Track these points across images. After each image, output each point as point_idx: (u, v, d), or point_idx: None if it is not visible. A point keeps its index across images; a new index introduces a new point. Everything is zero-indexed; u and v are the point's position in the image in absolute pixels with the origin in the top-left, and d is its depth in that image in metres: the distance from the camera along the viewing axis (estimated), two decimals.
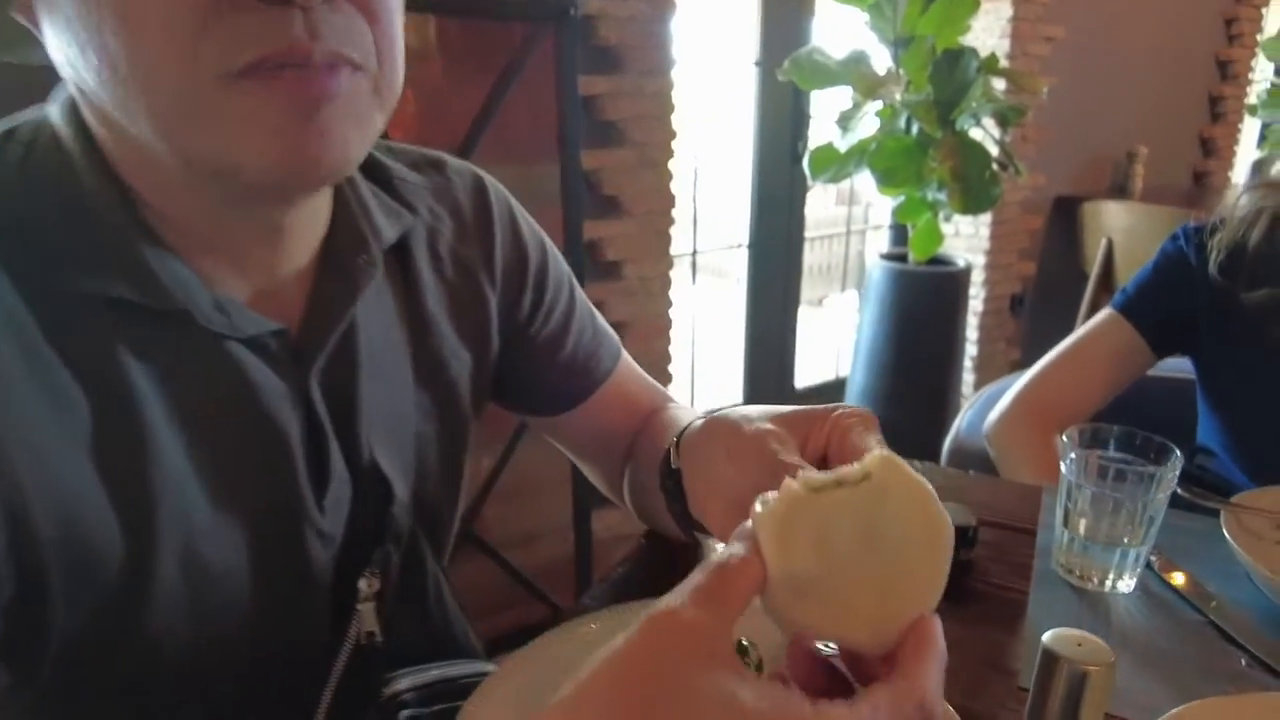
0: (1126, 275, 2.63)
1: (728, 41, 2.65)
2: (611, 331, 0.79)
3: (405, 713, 0.57)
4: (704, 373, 3.00)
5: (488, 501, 1.89)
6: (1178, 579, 0.75)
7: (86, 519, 0.44)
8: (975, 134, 2.39)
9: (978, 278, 3.10)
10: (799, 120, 2.71)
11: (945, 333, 2.67)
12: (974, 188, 2.28)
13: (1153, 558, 0.76)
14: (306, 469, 0.52)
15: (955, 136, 2.31)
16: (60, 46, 0.42)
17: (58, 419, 0.43)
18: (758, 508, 0.35)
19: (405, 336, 0.60)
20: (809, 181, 2.63)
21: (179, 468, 0.47)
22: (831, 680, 0.37)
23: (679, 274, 2.28)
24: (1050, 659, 0.49)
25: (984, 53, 2.34)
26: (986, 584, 0.75)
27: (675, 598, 0.32)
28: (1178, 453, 0.73)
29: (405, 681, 0.58)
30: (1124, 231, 3.01)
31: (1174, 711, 0.53)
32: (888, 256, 2.75)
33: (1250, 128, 4.14)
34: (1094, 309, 2.94)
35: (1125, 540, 0.72)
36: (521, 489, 1.93)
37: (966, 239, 3.12)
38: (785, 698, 0.30)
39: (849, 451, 0.47)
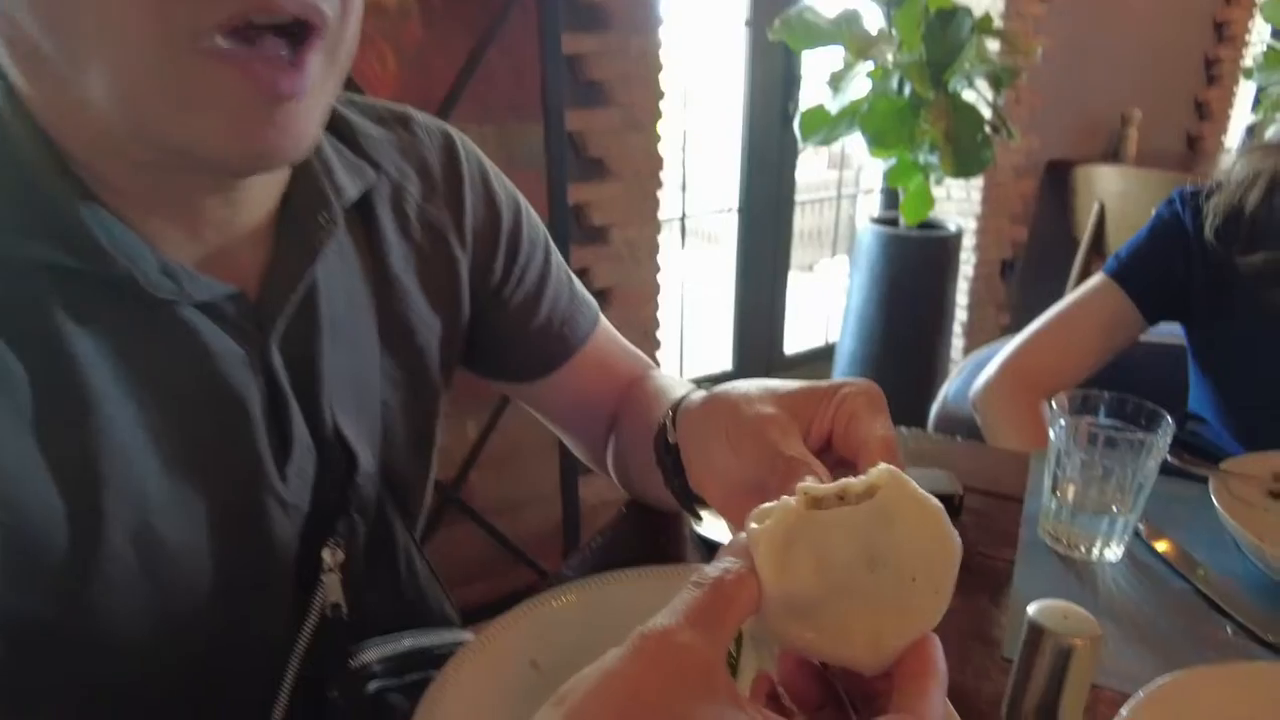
0: (1118, 240, 2.62)
1: (717, 0, 2.60)
2: (589, 296, 0.76)
3: (374, 683, 0.55)
4: (693, 340, 2.98)
5: (474, 468, 1.88)
6: (1165, 547, 0.74)
7: (28, 497, 0.42)
8: (968, 96, 2.36)
9: (968, 242, 3.07)
10: (790, 81, 2.66)
11: (935, 298, 2.66)
12: (966, 150, 2.24)
13: (1140, 525, 0.75)
14: (268, 437, 0.50)
15: (947, 98, 2.27)
16: None
17: None
18: (754, 525, 0.33)
19: (370, 300, 0.58)
20: (800, 144, 2.59)
21: (130, 440, 0.45)
22: (823, 689, 0.35)
23: (667, 239, 2.25)
24: (1036, 632, 0.48)
25: (978, 13, 2.30)
26: (971, 552, 0.74)
27: (669, 617, 0.30)
28: (1169, 419, 0.71)
29: (374, 652, 0.56)
30: (1116, 196, 2.99)
31: (1159, 681, 0.52)
32: (878, 221, 2.72)
33: (1245, 91, 4.10)
34: (1085, 274, 2.93)
35: (1114, 508, 0.71)
36: (508, 455, 1.91)
37: (958, 203, 3.09)
38: None
39: (854, 442, 0.45)
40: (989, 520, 0.78)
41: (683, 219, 2.70)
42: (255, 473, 0.50)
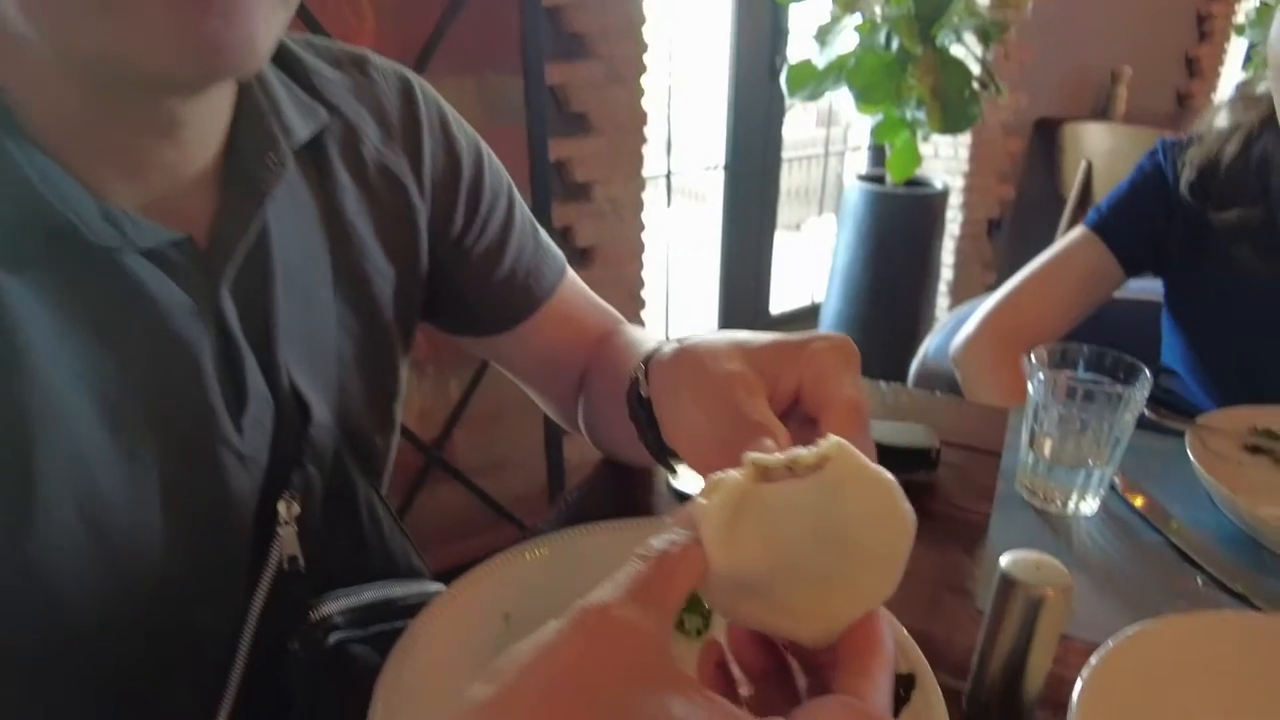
0: None
1: None
2: (555, 248, 0.74)
3: (335, 635, 0.55)
4: (678, 300, 2.97)
5: (457, 427, 1.87)
6: (1140, 500, 0.74)
7: None
8: (956, 51, 2.32)
9: (955, 201, 3.06)
10: (777, 35, 2.62)
11: (921, 256, 2.65)
12: (953, 106, 2.22)
13: (1116, 479, 0.76)
14: (221, 389, 0.49)
15: (935, 53, 2.24)
16: None
17: None
18: (701, 500, 0.32)
19: (324, 247, 0.56)
20: (787, 100, 2.55)
21: (67, 394, 0.43)
22: (771, 657, 0.35)
23: (652, 196, 2.22)
24: (1007, 582, 0.48)
25: None
26: (948, 505, 0.74)
27: (610, 590, 0.29)
28: (1147, 373, 0.71)
29: (335, 605, 0.55)
30: (1104, 154, 2.97)
31: (1128, 630, 0.53)
32: (865, 178, 2.70)
33: (1237, 48, 4.07)
34: None
35: (1090, 462, 0.71)
36: (492, 415, 1.91)
37: (945, 161, 3.07)
38: (723, 715, 0.27)
39: (820, 399, 0.43)
40: (966, 474, 0.78)
41: (668, 176, 2.67)
42: (208, 425, 0.49)
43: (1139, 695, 0.49)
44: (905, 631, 0.53)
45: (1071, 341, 0.76)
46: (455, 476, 1.89)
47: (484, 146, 0.68)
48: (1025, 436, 0.75)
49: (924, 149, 2.52)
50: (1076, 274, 1.11)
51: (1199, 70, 3.97)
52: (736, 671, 0.36)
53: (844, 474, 0.32)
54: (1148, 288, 1.19)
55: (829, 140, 3.46)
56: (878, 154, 2.93)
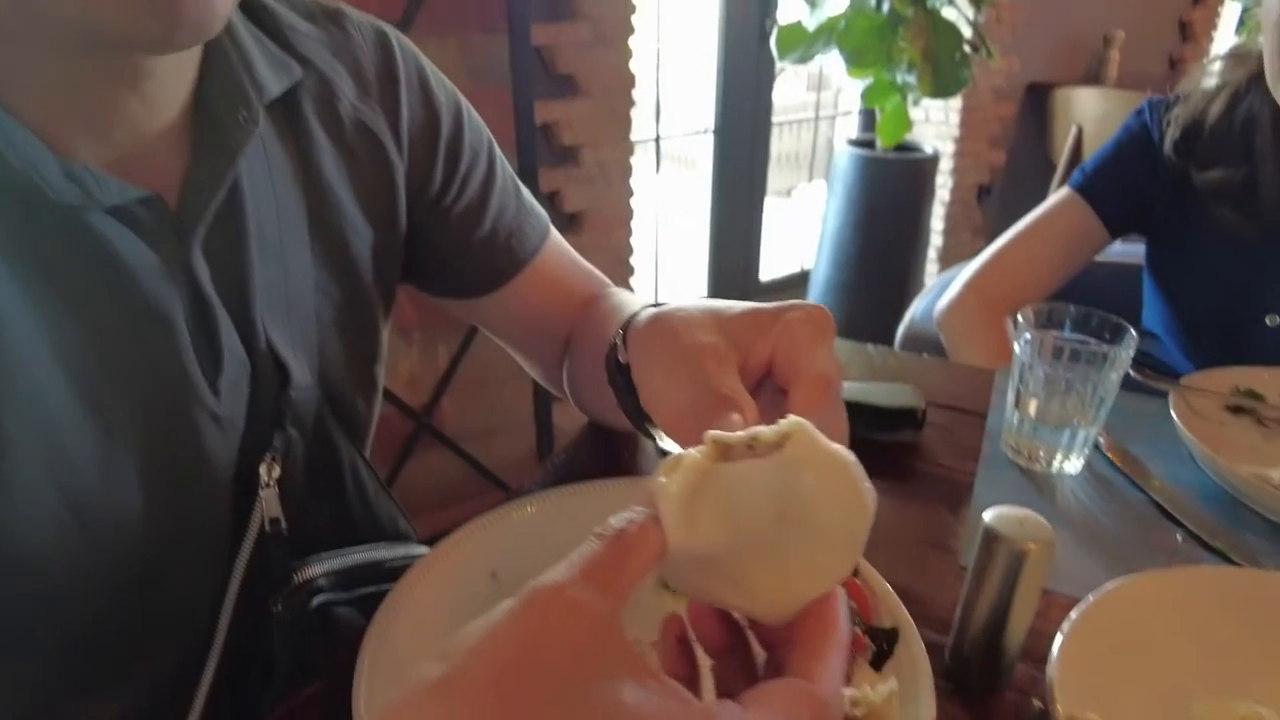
0: None
1: None
2: (539, 209, 0.73)
3: (320, 597, 0.55)
4: (668, 267, 2.96)
5: (446, 394, 1.87)
6: (1123, 459, 0.75)
7: None
8: (948, 13, 2.30)
9: (945, 166, 3.04)
10: None
11: (911, 222, 2.64)
12: (944, 70, 2.20)
13: (1100, 438, 0.76)
14: (195, 350, 0.48)
15: (927, 15, 2.21)
16: None
17: None
18: (661, 478, 0.32)
19: (300, 206, 0.55)
20: (777, 64, 2.52)
21: (32, 356, 0.42)
22: (731, 632, 0.34)
23: (641, 161, 2.20)
24: (990, 537, 0.48)
25: None
26: (933, 465, 0.75)
27: (565, 570, 0.28)
28: (1133, 332, 0.71)
29: (318, 567, 0.55)
30: (1095, 120, 2.95)
31: (1107, 585, 0.54)
32: (855, 143, 2.68)
33: (1230, 12, 4.04)
34: None
35: (1075, 421, 0.72)
36: (481, 381, 1.90)
37: (936, 126, 3.05)
38: (677, 702, 0.27)
39: (791, 372, 0.43)
40: (952, 434, 0.79)
41: (657, 140, 2.64)
42: (182, 387, 0.48)
43: (1118, 648, 0.50)
44: (889, 588, 0.54)
45: (1058, 302, 0.76)
46: (444, 443, 1.89)
47: (464, 102, 0.67)
48: (1011, 396, 0.75)
49: (915, 113, 2.50)
50: (1061, 236, 1.11)
51: (1192, 34, 3.94)
52: (697, 647, 0.36)
53: (803, 453, 0.32)
54: (1130, 251, 1.19)
55: (819, 105, 3.43)
56: (868, 119, 2.91)
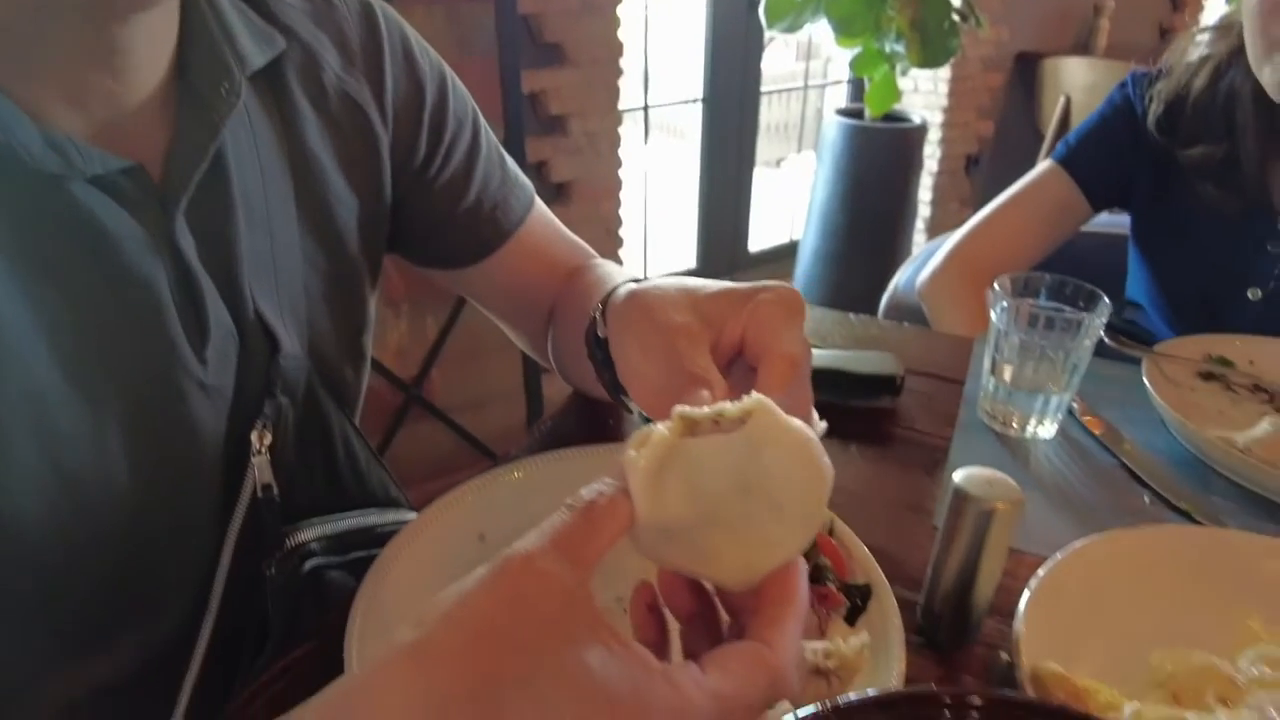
0: None
1: None
2: (525, 179, 0.74)
3: (312, 561, 0.56)
4: (657, 238, 2.95)
5: (436, 365, 1.88)
6: (1096, 424, 0.77)
7: None
8: None
9: (934, 136, 3.04)
10: None
11: (899, 192, 2.65)
12: (932, 39, 2.19)
13: (1075, 404, 0.78)
14: (182, 320, 0.49)
15: None
16: None
17: None
18: (631, 452, 0.33)
19: (286, 177, 0.56)
20: (766, 32, 2.51)
21: (16, 327, 0.43)
22: (698, 599, 0.36)
23: (630, 131, 2.20)
24: (960, 497, 0.50)
25: None
26: (911, 431, 0.76)
27: (535, 540, 0.29)
28: (1106, 300, 0.73)
29: (311, 532, 0.57)
30: (1084, 89, 2.95)
31: (1075, 544, 0.55)
32: (844, 112, 2.68)
33: None
34: None
35: (1049, 387, 0.74)
36: (470, 352, 1.91)
37: (925, 96, 3.04)
38: (637, 667, 0.28)
39: (760, 351, 0.44)
40: (930, 401, 0.80)
41: (645, 110, 2.63)
42: (169, 357, 0.48)
43: (1083, 604, 0.52)
44: (864, 547, 0.56)
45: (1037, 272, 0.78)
46: (434, 414, 1.91)
47: (448, 72, 0.67)
48: (987, 363, 0.77)
49: (903, 83, 2.50)
50: (1043, 208, 1.12)
51: (1182, 3, 3.93)
52: (666, 612, 0.37)
53: (765, 429, 0.33)
54: (1115, 222, 1.20)
55: (808, 74, 3.41)
56: (857, 88, 2.90)
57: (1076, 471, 0.72)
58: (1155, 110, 1.02)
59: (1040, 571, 0.53)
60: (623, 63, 2.01)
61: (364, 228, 0.62)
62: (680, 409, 0.34)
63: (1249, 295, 1.01)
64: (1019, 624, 0.50)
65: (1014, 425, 0.76)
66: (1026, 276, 0.77)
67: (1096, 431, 0.76)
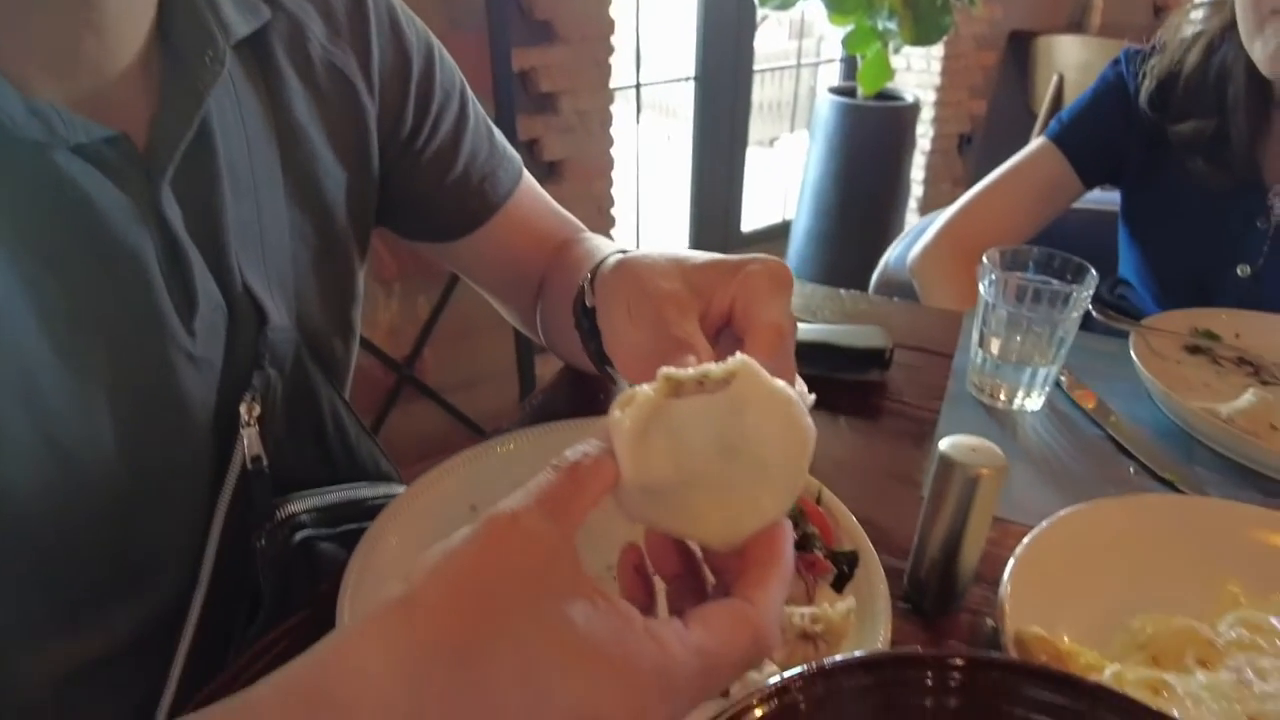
0: None
1: None
2: (513, 152, 0.74)
3: (302, 532, 0.57)
4: (649, 218, 2.95)
5: (428, 345, 1.88)
6: (1083, 397, 0.77)
7: None
8: None
9: (926, 115, 3.03)
10: None
11: (891, 172, 2.64)
12: (925, 16, 2.19)
13: (1062, 377, 0.79)
14: (169, 291, 0.49)
15: None
16: None
17: None
18: (616, 412, 0.33)
19: (273, 148, 0.55)
20: (758, 10, 2.49)
21: (3, 298, 0.42)
22: (684, 559, 0.36)
23: (621, 110, 2.18)
24: (946, 464, 0.51)
25: None
26: (901, 403, 0.77)
27: (520, 499, 0.30)
28: (1093, 272, 0.73)
29: (301, 503, 0.57)
30: (1077, 68, 2.94)
31: (1060, 513, 0.56)
32: (836, 91, 2.67)
33: None
34: None
35: (1036, 359, 0.74)
36: (462, 332, 1.91)
37: (917, 74, 3.03)
38: (621, 621, 0.29)
39: (747, 321, 0.45)
40: (919, 374, 0.81)
41: (637, 88, 2.61)
42: (156, 328, 0.48)
43: (1067, 571, 0.53)
44: (852, 516, 0.56)
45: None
46: (426, 394, 1.91)
47: (436, 44, 0.67)
48: (975, 336, 0.77)
49: (896, 62, 2.49)
50: (1034, 185, 1.12)
51: None
52: (651, 572, 0.38)
53: (748, 390, 0.33)
54: (1106, 199, 1.21)
55: (801, 52, 3.40)
56: (850, 66, 2.89)
57: (1063, 443, 0.72)
58: (1148, 86, 1.02)
59: (1025, 539, 0.54)
60: (614, 40, 2.00)
61: (351, 199, 0.62)
62: (665, 370, 0.34)
63: (1238, 272, 1.01)
64: (1004, 589, 0.50)
65: (1001, 397, 0.76)
66: (1015, 250, 0.77)
67: (1086, 406, 0.76)
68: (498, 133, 0.73)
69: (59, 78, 0.45)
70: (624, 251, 0.54)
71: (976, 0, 2.37)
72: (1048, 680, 0.34)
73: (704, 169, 2.86)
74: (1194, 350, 0.84)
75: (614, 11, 1.96)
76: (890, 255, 1.31)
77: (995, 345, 0.75)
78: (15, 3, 0.42)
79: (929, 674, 0.35)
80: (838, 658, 0.35)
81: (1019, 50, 3.17)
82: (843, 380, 0.78)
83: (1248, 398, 0.72)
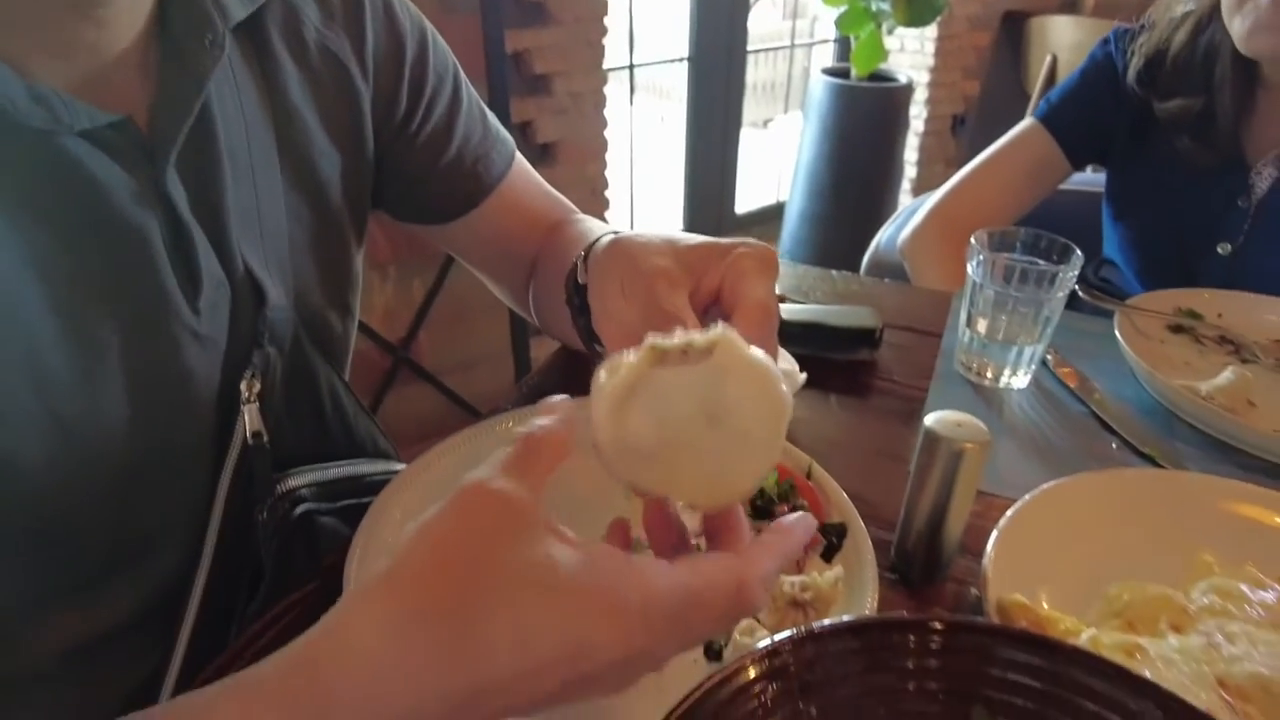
0: None
1: None
2: (506, 134, 0.74)
3: (303, 506, 0.58)
4: (643, 198, 2.95)
5: (423, 328, 1.89)
6: (1068, 375, 0.79)
7: None
8: None
9: (920, 96, 3.03)
10: None
11: (885, 153, 2.65)
12: None
13: (1049, 356, 0.81)
14: (174, 270, 0.50)
15: None
16: None
17: None
18: (602, 376, 0.35)
19: (269, 131, 0.56)
20: None
21: (12, 279, 0.43)
22: (678, 535, 0.38)
23: (615, 91, 2.18)
24: (931, 438, 0.52)
25: None
26: (890, 382, 0.79)
27: (486, 469, 0.32)
28: (1078, 253, 0.75)
29: (301, 478, 0.58)
30: (1070, 48, 2.94)
31: (1043, 486, 0.58)
32: (830, 72, 2.66)
33: None
34: None
35: (1022, 338, 0.76)
36: (457, 314, 1.92)
37: (911, 55, 3.03)
38: (601, 555, 0.31)
39: (734, 300, 0.47)
40: (909, 353, 0.83)
41: (630, 69, 2.61)
42: (162, 306, 0.49)
43: (1050, 541, 0.55)
44: (840, 489, 0.58)
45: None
46: (423, 376, 1.92)
47: (429, 27, 0.67)
48: (963, 315, 0.79)
49: (890, 43, 2.49)
50: (1023, 166, 1.13)
51: None
52: (641, 537, 0.40)
53: (728, 360, 0.35)
54: (1094, 180, 1.22)
55: (795, 33, 3.39)
56: (844, 47, 2.88)
57: (1048, 419, 0.74)
58: (1136, 64, 1.03)
59: (1009, 511, 0.56)
60: (607, 21, 1.99)
61: (347, 182, 0.63)
62: (651, 339, 0.36)
63: (1219, 250, 1.03)
64: (987, 559, 0.52)
65: (988, 376, 0.78)
66: (1003, 231, 0.78)
67: (1071, 384, 0.78)
68: (491, 115, 0.73)
69: (59, 61, 0.45)
70: (617, 232, 0.56)
71: None
72: (1024, 642, 0.36)
73: (698, 150, 2.86)
74: (1177, 329, 0.86)
75: None
76: (881, 237, 1.32)
77: (983, 325, 0.77)
78: None
79: (912, 637, 0.37)
80: (826, 622, 0.37)
81: (1012, 31, 3.16)
82: (834, 359, 0.79)
83: (1226, 375, 0.74)
